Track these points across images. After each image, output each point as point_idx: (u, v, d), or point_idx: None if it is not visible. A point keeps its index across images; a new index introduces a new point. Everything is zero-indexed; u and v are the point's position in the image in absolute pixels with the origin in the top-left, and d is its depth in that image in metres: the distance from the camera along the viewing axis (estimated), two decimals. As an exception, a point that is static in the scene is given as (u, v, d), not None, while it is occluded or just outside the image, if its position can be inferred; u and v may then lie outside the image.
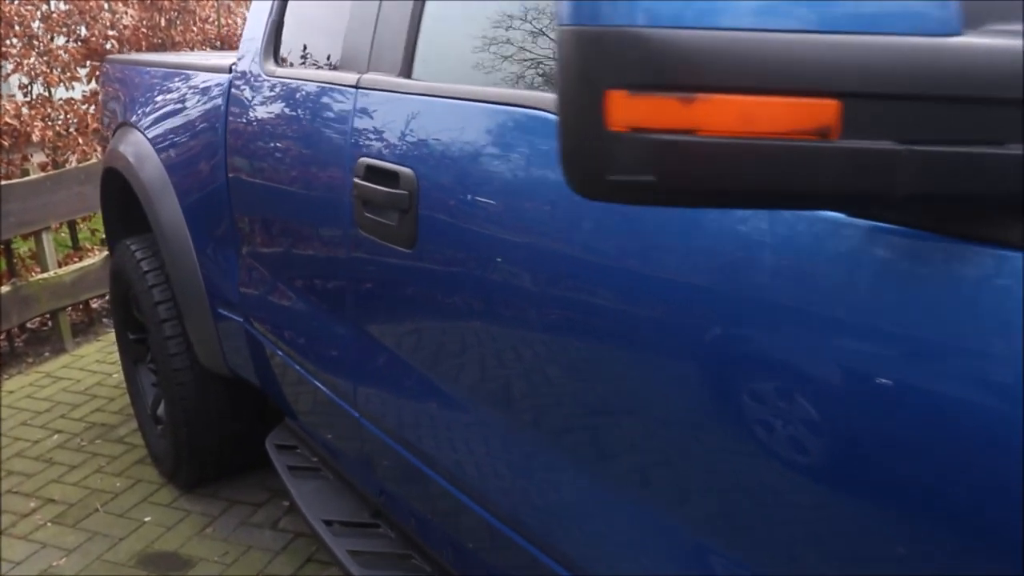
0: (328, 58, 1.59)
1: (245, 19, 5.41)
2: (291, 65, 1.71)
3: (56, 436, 2.94)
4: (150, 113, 2.26)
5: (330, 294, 1.53)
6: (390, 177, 1.23)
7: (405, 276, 1.26)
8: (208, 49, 4.94)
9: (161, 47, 4.61)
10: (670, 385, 0.83)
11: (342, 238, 1.40)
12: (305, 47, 1.70)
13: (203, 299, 2.11)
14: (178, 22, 4.74)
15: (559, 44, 0.54)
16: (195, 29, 4.82)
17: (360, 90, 1.35)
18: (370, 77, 1.35)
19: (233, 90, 1.85)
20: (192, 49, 4.80)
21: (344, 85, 1.39)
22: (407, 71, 1.28)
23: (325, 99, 1.46)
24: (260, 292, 1.87)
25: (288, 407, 1.89)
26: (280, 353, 1.79)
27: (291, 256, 1.67)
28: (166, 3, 4.56)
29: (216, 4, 5.04)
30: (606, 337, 0.91)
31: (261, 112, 1.71)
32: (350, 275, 1.41)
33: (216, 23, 5.08)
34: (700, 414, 0.80)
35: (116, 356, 3.70)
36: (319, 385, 1.62)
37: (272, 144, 1.64)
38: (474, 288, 1.12)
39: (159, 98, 2.24)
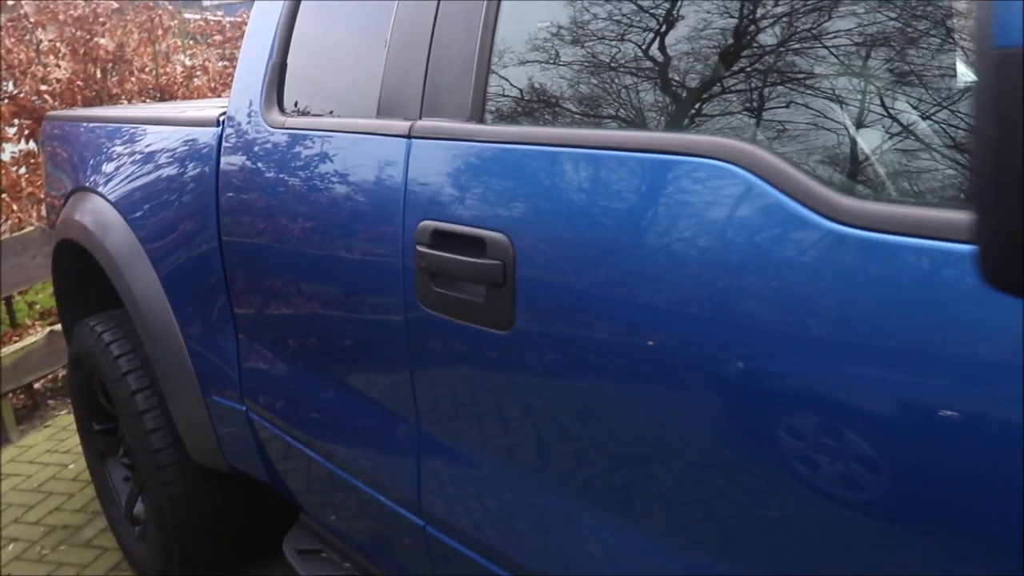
0: (353, 104, 1.36)
1: (185, 67, 5.11)
2: (301, 114, 1.47)
3: (12, 546, 2.57)
4: (113, 175, 1.98)
5: (378, 384, 1.28)
6: (472, 244, 1.01)
7: (494, 363, 1.03)
8: (147, 100, 4.62)
9: (96, 100, 4.28)
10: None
11: (397, 317, 1.16)
12: (316, 92, 1.47)
13: (193, 385, 1.83)
14: (114, 73, 4.41)
15: (984, 73, 0.35)
16: (132, 80, 4.50)
17: (415, 140, 1.13)
18: (428, 124, 1.12)
19: (225, 145, 1.60)
20: (130, 101, 4.48)
21: (390, 134, 1.17)
22: (478, 115, 1.07)
23: (361, 152, 1.23)
24: (271, 377, 1.61)
25: (312, 507, 1.63)
26: (304, 449, 1.53)
27: (318, 338, 1.41)
28: (101, 53, 4.23)
29: (153, 52, 4.73)
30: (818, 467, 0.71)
31: (266, 169, 1.46)
32: (409, 362, 1.17)
33: (154, 72, 4.76)
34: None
35: (69, 443, 3.33)
36: (363, 487, 1.37)
37: (283, 205, 1.40)
38: (596, 379, 0.91)
39: (124, 158, 1.97)
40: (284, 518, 2.20)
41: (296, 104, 1.49)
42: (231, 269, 1.63)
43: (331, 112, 1.42)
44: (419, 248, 1.09)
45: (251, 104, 1.54)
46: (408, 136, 1.14)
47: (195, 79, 4.93)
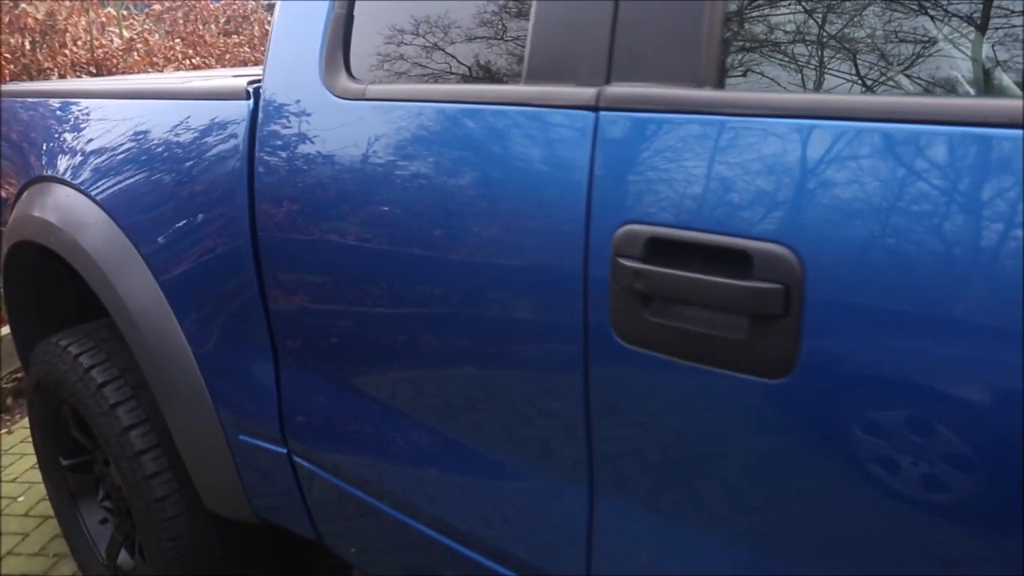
0: (470, 65, 1.03)
1: (135, 39, 4.59)
2: (386, 80, 1.13)
3: (-42, 608, 2.15)
4: (90, 161, 1.59)
5: (523, 436, 0.97)
6: (724, 259, 0.71)
7: (754, 423, 0.74)
8: (82, 75, 4.10)
9: (25, 75, 3.75)
10: None
11: (569, 353, 0.86)
12: (401, 52, 1.13)
13: (211, 422, 1.48)
14: (43, 44, 3.88)
15: None
16: (65, 52, 3.97)
17: (605, 112, 0.82)
18: (628, 91, 0.81)
19: (264, 121, 1.24)
20: (63, 76, 3.95)
21: (561, 105, 0.85)
22: (712, 76, 0.76)
23: (506, 129, 0.91)
24: (332, 417, 1.28)
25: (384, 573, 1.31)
26: (384, 507, 1.21)
27: (423, 373, 1.09)
28: (29, 22, 3.70)
29: (88, 23, 4.20)
30: None
31: (338, 150, 1.12)
32: (586, 414, 0.87)
33: (88, 44, 4.23)
34: None
35: (15, 470, 2.89)
36: (485, 561, 1.06)
37: (368, 197, 1.07)
38: (922, 452, 0.64)
39: (104, 141, 1.58)
40: (312, 568, 1.87)
41: (370, 69, 1.15)
42: (272, 276, 1.28)
43: (430, 77, 1.08)
44: (622, 262, 0.78)
45: (303, 70, 1.19)
46: (594, 107, 0.82)
47: (134, 53, 4.42)
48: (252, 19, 5.75)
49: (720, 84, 0.77)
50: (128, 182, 1.50)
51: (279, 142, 1.22)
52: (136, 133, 1.51)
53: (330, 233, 1.16)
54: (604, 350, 0.83)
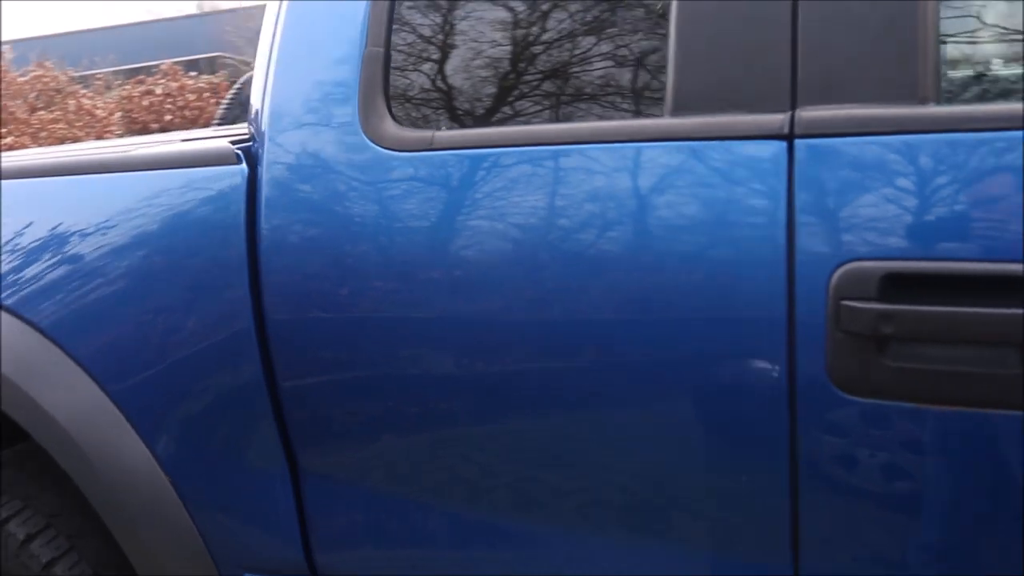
0: (581, 102, 0.90)
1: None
2: (457, 125, 0.97)
3: None
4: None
5: (723, 528, 0.82)
6: (986, 286, 0.64)
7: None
8: None
9: None
10: None
11: (773, 415, 0.74)
12: (456, 94, 0.98)
13: (202, 563, 1.19)
14: None
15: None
16: None
17: (803, 140, 0.72)
18: (837, 114, 0.72)
19: (272, 185, 1.04)
20: None
21: (743, 136, 0.75)
22: (928, 93, 0.69)
23: (663, 168, 0.79)
24: (378, 530, 1.06)
25: None
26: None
27: (560, 464, 0.91)
28: None
29: None
30: None
31: (398, 208, 0.94)
32: (787, 488, 0.75)
33: None
34: None
35: None
36: None
37: (447, 263, 0.90)
38: None
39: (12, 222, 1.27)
40: None
41: (420, 114, 0.99)
42: (290, 372, 1.06)
43: (501, 118, 0.94)
44: (851, 304, 0.68)
45: (328, 121, 1.00)
46: (786, 136, 0.73)
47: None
48: (65, 92, 5.20)
49: (933, 99, 0.70)
50: (51, 270, 1.20)
51: (298, 210, 1.02)
52: (52, 210, 1.22)
53: (385, 311, 0.97)
54: (819, 406, 0.72)
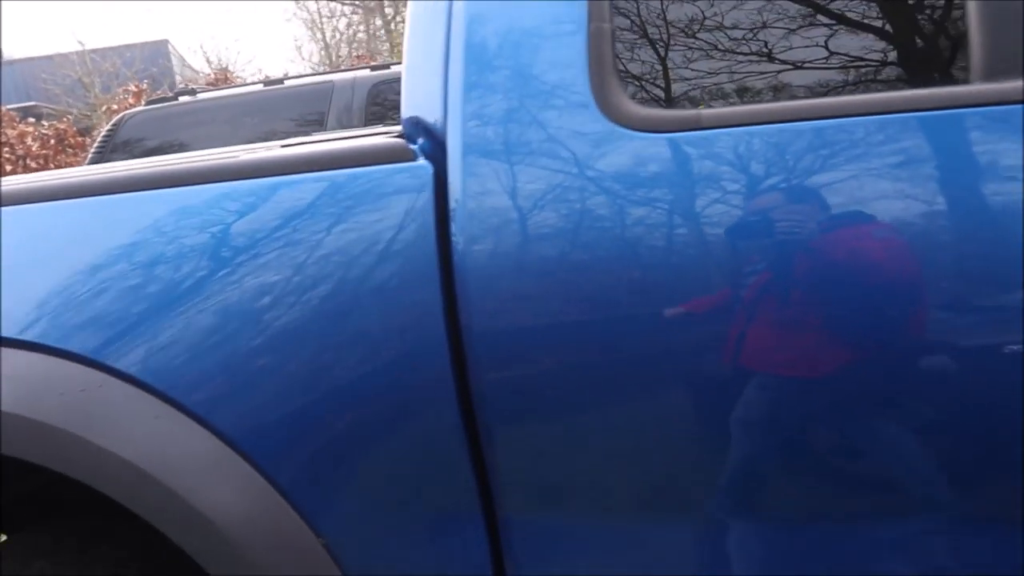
0: (855, 70, 0.84)
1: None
2: (681, 103, 0.88)
3: None
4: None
5: None
6: None
7: None
8: None
9: None
10: None
11: None
12: (715, 68, 0.89)
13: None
14: None
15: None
16: None
17: None
18: None
19: (468, 184, 0.90)
20: None
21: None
22: None
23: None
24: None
25: None
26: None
27: None
28: None
29: None
30: None
31: (665, 196, 0.84)
32: None
33: None
34: None
35: None
36: None
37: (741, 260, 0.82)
38: None
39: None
40: None
41: (650, 92, 0.89)
42: (503, 404, 0.92)
43: (772, 93, 0.86)
44: None
45: (543, 103, 0.89)
46: None
47: None
48: None
49: None
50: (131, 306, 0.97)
51: (510, 210, 0.89)
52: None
53: (648, 309, 0.86)
54: None
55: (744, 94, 0.88)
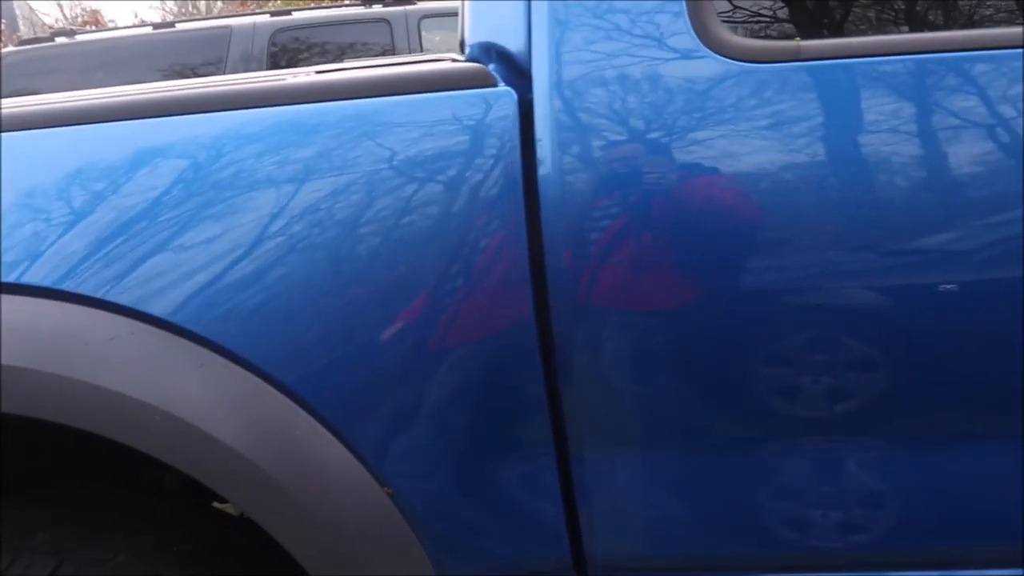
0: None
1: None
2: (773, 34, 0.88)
3: None
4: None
5: None
6: None
7: None
8: None
9: None
10: None
11: None
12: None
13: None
14: None
15: None
16: None
17: None
18: None
19: (558, 110, 0.87)
20: None
21: None
22: None
23: None
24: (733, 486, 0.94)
25: None
26: None
27: None
28: None
29: None
30: None
31: (763, 126, 0.84)
32: None
33: None
34: None
35: None
36: None
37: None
38: None
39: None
40: None
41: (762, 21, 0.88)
42: (588, 330, 0.90)
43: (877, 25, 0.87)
44: None
45: (640, 29, 0.86)
46: None
47: None
48: None
49: None
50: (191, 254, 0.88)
51: (601, 135, 0.86)
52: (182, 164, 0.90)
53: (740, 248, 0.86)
54: None
55: (842, 27, 0.90)
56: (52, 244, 0.86)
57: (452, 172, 0.87)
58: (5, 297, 0.85)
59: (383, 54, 4.23)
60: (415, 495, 0.94)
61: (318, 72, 1.11)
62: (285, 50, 4.53)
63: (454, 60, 1.03)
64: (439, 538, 0.96)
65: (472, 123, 0.88)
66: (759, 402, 0.90)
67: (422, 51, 4.27)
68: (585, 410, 0.93)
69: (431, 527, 0.95)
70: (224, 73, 4.20)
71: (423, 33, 4.30)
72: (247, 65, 4.34)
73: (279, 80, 0.97)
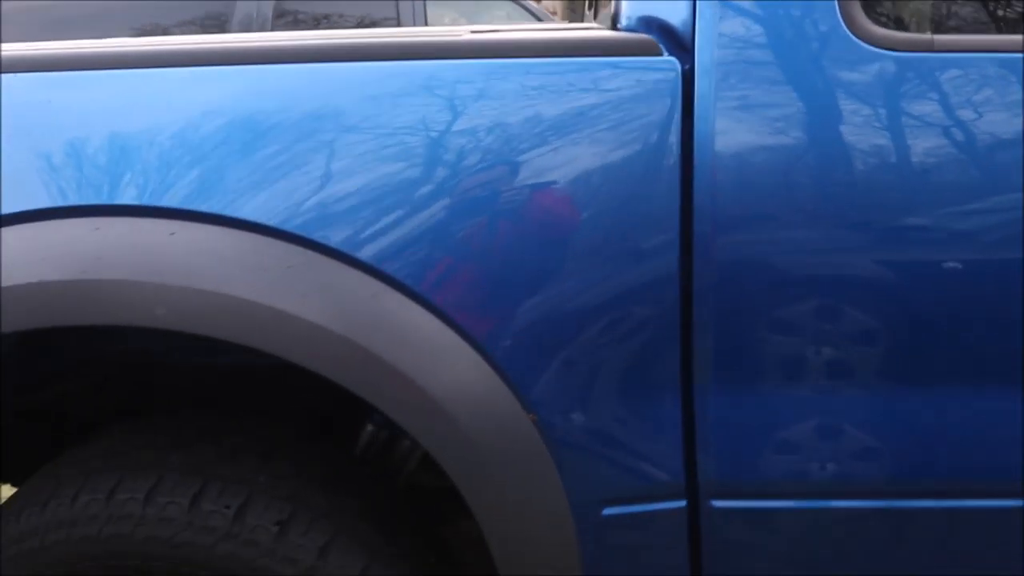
0: None
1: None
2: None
3: None
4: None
5: None
6: None
7: None
8: None
9: None
10: None
11: None
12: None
13: (555, 504, 1.06)
14: None
15: None
16: None
17: None
18: None
19: (721, 85, 0.98)
20: None
21: None
22: None
23: None
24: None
25: None
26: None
27: None
28: None
29: None
30: None
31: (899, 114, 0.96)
32: None
33: None
34: None
35: None
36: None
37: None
38: None
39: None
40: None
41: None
42: (725, 287, 1.01)
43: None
44: None
45: (795, 13, 0.97)
46: None
47: None
48: None
49: None
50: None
51: (757, 111, 0.97)
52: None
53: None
54: None
55: (975, 24, 1.02)
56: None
57: (621, 131, 0.97)
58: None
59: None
60: (556, 423, 1.04)
61: (473, 32, 1.20)
62: (289, 24, 4.51)
63: (603, 29, 1.12)
64: (572, 464, 1.06)
65: (640, 89, 0.98)
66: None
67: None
68: (712, 351, 1.04)
69: (566, 454, 1.05)
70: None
71: (428, 12, 4.34)
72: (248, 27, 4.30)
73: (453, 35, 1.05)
